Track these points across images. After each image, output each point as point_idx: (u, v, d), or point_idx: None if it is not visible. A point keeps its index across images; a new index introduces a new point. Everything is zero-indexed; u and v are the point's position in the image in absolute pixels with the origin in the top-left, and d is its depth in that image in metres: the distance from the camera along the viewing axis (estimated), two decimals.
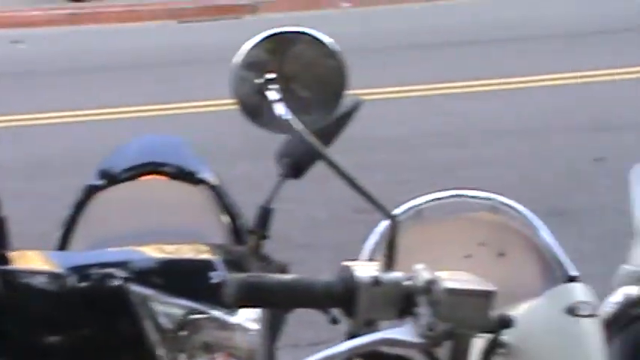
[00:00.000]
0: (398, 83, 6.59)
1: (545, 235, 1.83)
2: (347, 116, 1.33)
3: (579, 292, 1.11)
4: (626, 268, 1.22)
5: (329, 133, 1.29)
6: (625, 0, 8.69)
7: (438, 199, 1.84)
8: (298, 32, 1.20)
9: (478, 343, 1.09)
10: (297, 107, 1.17)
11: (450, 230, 1.80)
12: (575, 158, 4.92)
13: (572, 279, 1.71)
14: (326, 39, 1.20)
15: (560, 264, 1.76)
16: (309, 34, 1.20)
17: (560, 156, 5.02)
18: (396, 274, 1.05)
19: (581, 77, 6.44)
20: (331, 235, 4.00)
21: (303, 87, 1.19)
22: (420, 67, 7.06)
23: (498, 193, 1.88)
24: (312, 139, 1.12)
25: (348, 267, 1.05)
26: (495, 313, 1.04)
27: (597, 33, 7.69)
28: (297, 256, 3.70)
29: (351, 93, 1.60)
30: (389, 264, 1.08)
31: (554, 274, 1.72)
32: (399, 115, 6.00)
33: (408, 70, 6.99)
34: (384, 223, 1.81)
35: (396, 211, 1.82)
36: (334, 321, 1.18)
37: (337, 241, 3.74)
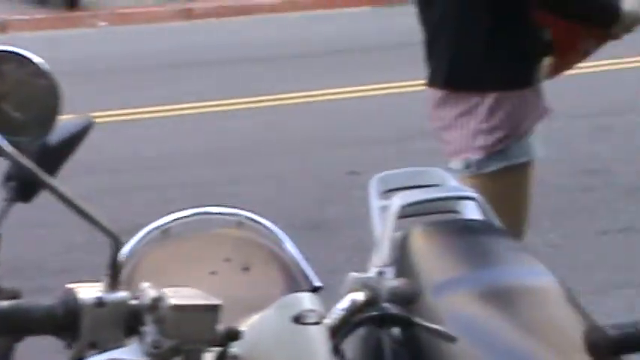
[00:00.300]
0: (158, 103, 6.56)
1: (290, 248, 1.88)
2: (76, 138, 1.30)
3: (306, 301, 1.14)
4: (354, 275, 1.28)
5: (55, 156, 1.26)
6: (382, 22, 9.08)
7: (183, 217, 1.85)
8: (5, 51, 1.17)
9: (208, 358, 1.10)
10: (8, 129, 1.14)
11: (197, 248, 1.80)
12: (331, 172, 5.09)
13: (316, 289, 1.76)
14: (36, 58, 1.18)
15: (305, 276, 1.81)
16: (16, 53, 1.17)
17: (318, 170, 5.18)
18: (121, 294, 1.05)
19: (335, 94, 6.67)
20: (88, 259, 3.90)
21: (14, 108, 1.16)
22: (180, 86, 7.06)
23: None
24: (27, 162, 1.10)
25: (70, 289, 1.04)
26: (223, 326, 1.06)
27: (352, 51, 7.98)
28: (52, 283, 3.59)
29: (91, 114, 1.58)
30: (113, 284, 1.07)
31: (299, 286, 1.76)
32: (160, 135, 5.97)
33: (168, 89, 6.97)
34: (130, 244, 1.80)
35: (141, 232, 1.82)
36: (71, 346, 1.15)
37: (95, 264, 3.65)
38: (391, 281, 1.28)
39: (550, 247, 4.02)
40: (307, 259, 3.88)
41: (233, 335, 1.05)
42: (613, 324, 1.06)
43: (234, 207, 1.92)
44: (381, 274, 1.29)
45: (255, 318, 1.16)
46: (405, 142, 5.37)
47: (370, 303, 1.24)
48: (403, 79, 6.32)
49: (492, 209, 2.13)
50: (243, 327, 1.12)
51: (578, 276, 3.71)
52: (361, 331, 1.94)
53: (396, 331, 1.78)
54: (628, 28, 2.62)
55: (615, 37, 2.66)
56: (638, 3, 2.60)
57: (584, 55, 2.77)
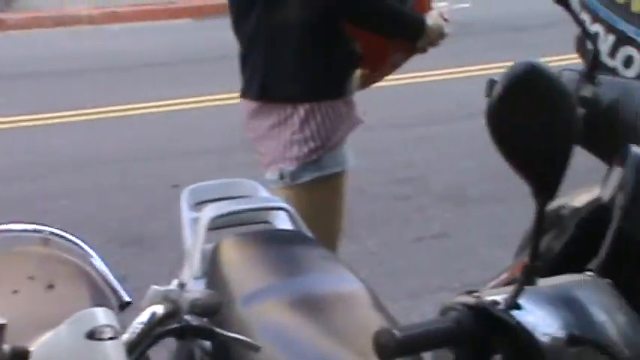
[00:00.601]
0: None
1: (98, 263, 1.84)
2: None
3: (100, 316, 1.12)
4: (154, 288, 1.27)
5: None
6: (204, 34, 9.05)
7: None
8: None
9: None
10: None
11: None
12: (154, 186, 5.02)
13: (126, 305, 1.74)
14: None
15: (114, 291, 1.78)
16: None
17: (141, 184, 5.10)
18: None
19: (157, 107, 6.60)
20: None
21: None
22: None
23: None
24: None
25: None
26: (9, 346, 1.02)
27: (173, 64, 7.92)
28: None
29: None
30: None
31: (108, 302, 1.73)
32: None
33: None
34: None
35: None
36: None
37: None
38: (192, 293, 1.27)
39: (368, 254, 4.11)
40: (130, 274, 3.81)
41: (21, 354, 1.02)
42: (401, 326, 1.10)
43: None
44: (182, 286, 1.28)
45: (47, 335, 1.13)
46: (227, 155, 5.37)
47: (171, 315, 1.24)
48: (225, 91, 6.33)
49: (307, 219, 2.17)
50: (34, 345, 1.09)
51: (395, 282, 3.82)
52: (173, 345, 1.93)
53: (207, 343, 1.78)
54: (433, 43, 2.72)
55: (422, 50, 2.75)
56: (441, 19, 2.70)
57: (392, 67, 2.86)
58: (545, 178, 1.06)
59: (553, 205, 1.83)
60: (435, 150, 5.53)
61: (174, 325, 1.24)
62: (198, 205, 2.10)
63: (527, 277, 1.08)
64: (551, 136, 1.04)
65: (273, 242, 1.93)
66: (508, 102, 1.03)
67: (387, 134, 5.80)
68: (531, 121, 1.03)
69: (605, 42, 2.03)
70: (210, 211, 1.97)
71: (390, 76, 2.91)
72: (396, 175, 5.14)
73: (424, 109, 6.43)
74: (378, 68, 2.82)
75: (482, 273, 3.64)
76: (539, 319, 1.09)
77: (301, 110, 2.56)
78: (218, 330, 1.29)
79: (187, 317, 1.27)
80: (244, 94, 2.67)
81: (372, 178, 4.97)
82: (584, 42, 1.91)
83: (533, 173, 1.06)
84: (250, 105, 2.65)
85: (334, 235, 2.71)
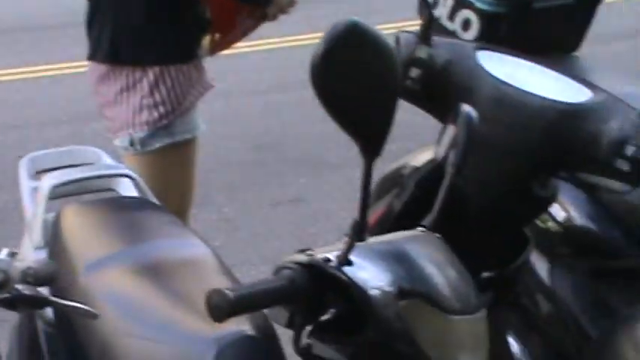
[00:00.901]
0: None
1: None
2: None
3: None
4: None
5: None
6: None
7: None
8: None
9: None
10: None
11: None
12: (1, 158, 4.86)
13: None
14: None
15: None
16: None
17: None
18: None
19: (4, 75, 6.38)
20: None
21: None
22: None
23: None
24: None
25: None
26: None
27: (19, 30, 7.66)
28: None
29: None
30: None
31: None
32: None
33: None
34: None
35: None
36: None
37: None
38: (25, 262, 1.24)
39: (224, 221, 4.10)
40: None
41: None
42: (232, 287, 1.10)
43: None
44: (13, 255, 1.25)
45: None
46: (80, 124, 5.25)
47: (1, 286, 1.20)
48: (75, 58, 6.16)
49: (158, 187, 2.14)
50: None
51: (252, 247, 3.83)
52: (16, 320, 1.88)
53: (49, 314, 1.74)
54: (283, 10, 2.72)
55: (272, 18, 2.74)
56: None
57: (243, 34, 2.84)
58: (370, 135, 1.07)
59: (395, 164, 1.87)
60: (291, 116, 5.55)
61: (5, 295, 1.20)
62: (39, 174, 2.04)
63: (356, 234, 1.10)
64: (374, 94, 1.05)
65: (117, 209, 1.90)
66: (329, 61, 1.03)
67: (241, 101, 5.79)
68: (354, 79, 1.04)
69: (445, 5, 2.08)
70: (50, 180, 1.92)
71: (241, 43, 2.89)
72: (252, 141, 5.13)
73: (277, 75, 6.42)
74: (228, 34, 2.79)
75: (337, 237, 3.68)
76: (370, 274, 1.11)
77: (151, 74, 2.52)
78: (52, 298, 1.26)
79: (20, 287, 1.23)
80: (92, 56, 2.61)
81: (228, 144, 4.95)
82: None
83: (359, 131, 1.07)
84: (99, 68, 2.59)
85: (186, 201, 2.69)
